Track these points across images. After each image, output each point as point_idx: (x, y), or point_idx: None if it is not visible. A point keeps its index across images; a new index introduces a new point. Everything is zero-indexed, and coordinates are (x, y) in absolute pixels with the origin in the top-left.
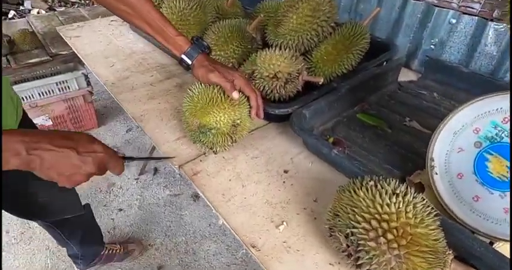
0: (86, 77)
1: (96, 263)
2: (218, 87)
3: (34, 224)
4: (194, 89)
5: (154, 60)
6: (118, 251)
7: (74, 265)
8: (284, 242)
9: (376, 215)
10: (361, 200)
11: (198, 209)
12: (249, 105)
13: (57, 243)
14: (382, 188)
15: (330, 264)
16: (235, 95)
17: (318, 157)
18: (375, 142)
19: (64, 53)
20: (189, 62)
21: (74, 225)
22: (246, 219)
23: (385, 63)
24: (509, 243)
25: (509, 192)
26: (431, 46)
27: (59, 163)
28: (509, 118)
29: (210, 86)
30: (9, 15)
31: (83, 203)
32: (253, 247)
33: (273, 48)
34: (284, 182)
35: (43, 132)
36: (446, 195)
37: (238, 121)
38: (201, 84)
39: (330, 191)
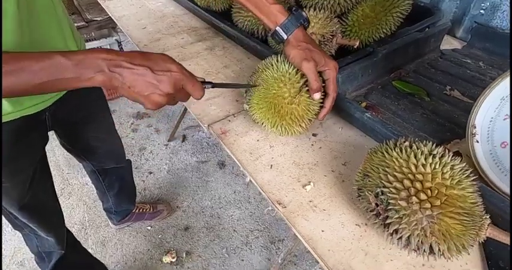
0: (119, 43)
1: (127, 220)
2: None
3: (73, 181)
4: (281, 67)
5: (185, 23)
6: (148, 210)
7: (109, 220)
8: (310, 201)
9: (410, 175)
10: (394, 160)
11: (223, 176)
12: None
13: (96, 192)
14: (418, 148)
15: (356, 224)
16: (317, 96)
17: (348, 122)
18: (411, 110)
19: (99, 19)
20: (285, 36)
21: (114, 175)
22: (272, 178)
23: (426, 29)
24: None
25: None
26: (481, 11)
27: (136, 82)
28: None
29: (298, 71)
30: None
31: None
32: (279, 204)
33: (307, 9)
34: (312, 145)
35: (123, 52)
36: (486, 165)
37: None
38: (289, 64)
39: (360, 156)
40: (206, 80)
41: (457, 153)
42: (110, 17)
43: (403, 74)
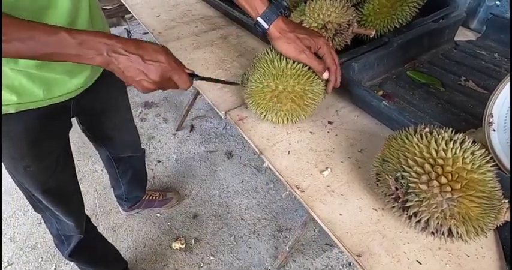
0: (129, 32)
1: (138, 207)
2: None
3: (83, 168)
4: (273, 61)
5: (199, 11)
6: (157, 197)
7: (119, 206)
8: (328, 186)
9: (430, 160)
10: (415, 145)
11: (231, 166)
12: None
13: (109, 179)
14: (438, 134)
15: (374, 209)
16: (325, 75)
17: (364, 111)
18: (426, 100)
19: (108, 8)
20: (266, 26)
21: (128, 163)
22: (290, 163)
23: (441, 20)
24: None
25: None
26: (496, 2)
27: (129, 67)
28: None
29: (292, 61)
30: None
31: None
32: (297, 188)
33: None
34: (328, 132)
35: (121, 39)
36: (501, 153)
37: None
38: (280, 56)
39: (376, 144)
40: (194, 73)
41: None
42: (119, 5)
43: (417, 64)
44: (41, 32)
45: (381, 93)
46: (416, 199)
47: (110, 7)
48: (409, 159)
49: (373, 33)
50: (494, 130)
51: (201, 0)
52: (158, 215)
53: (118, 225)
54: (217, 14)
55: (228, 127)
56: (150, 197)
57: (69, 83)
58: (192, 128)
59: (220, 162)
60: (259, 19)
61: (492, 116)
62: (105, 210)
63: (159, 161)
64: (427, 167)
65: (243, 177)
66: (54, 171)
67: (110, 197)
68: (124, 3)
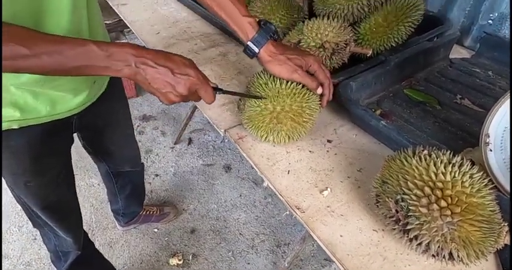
0: None
1: (135, 222)
2: (298, 84)
3: (80, 182)
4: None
5: (198, 29)
6: (155, 212)
7: (116, 221)
8: (328, 207)
9: (430, 183)
10: (414, 168)
11: (229, 180)
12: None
13: (107, 193)
14: (437, 157)
15: (374, 230)
16: (319, 90)
17: (362, 129)
18: (423, 118)
19: (108, 23)
20: (257, 50)
21: (127, 178)
22: (290, 183)
23: (435, 38)
24: None
25: None
26: (489, 21)
27: (157, 80)
28: None
29: (286, 81)
30: None
31: None
32: (298, 209)
33: (321, 18)
34: (328, 151)
35: (149, 50)
36: (499, 173)
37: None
38: (273, 77)
39: (375, 163)
40: (218, 87)
41: (470, 162)
42: (118, 20)
43: (413, 82)
44: (69, 45)
45: (379, 112)
46: (417, 222)
47: (110, 22)
48: (408, 182)
49: (370, 52)
50: (491, 150)
51: (200, 18)
52: (155, 230)
53: (115, 241)
54: (216, 31)
55: (226, 140)
56: (148, 212)
57: (73, 100)
58: (190, 141)
59: (218, 175)
60: (249, 43)
61: (489, 136)
62: (101, 225)
63: (156, 175)
64: (427, 190)
65: (241, 191)
66: (55, 187)
67: (107, 212)
68: (124, 20)
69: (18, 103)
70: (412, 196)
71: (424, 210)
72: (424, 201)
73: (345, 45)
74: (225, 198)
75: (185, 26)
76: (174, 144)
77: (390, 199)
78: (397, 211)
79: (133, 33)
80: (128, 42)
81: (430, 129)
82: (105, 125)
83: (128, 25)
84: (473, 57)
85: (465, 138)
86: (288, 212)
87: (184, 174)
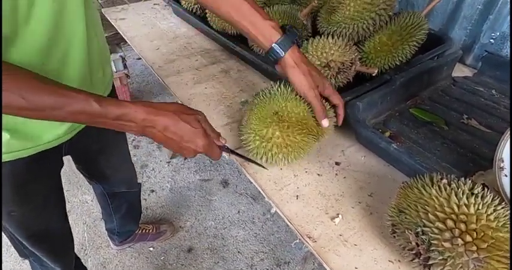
0: (123, 59)
1: (130, 241)
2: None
3: (73, 199)
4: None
5: (198, 44)
6: (151, 230)
7: (110, 240)
8: (340, 235)
9: (452, 215)
10: (434, 198)
11: (227, 196)
12: (334, 113)
13: (101, 213)
14: (458, 187)
15: (390, 261)
16: (325, 123)
17: (370, 151)
18: (431, 139)
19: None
20: (282, 53)
21: (123, 198)
22: (299, 209)
23: (436, 57)
24: None
25: None
26: (491, 40)
27: (165, 143)
28: None
29: (300, 99)
30: None
31: None
32: (309, 238)
33: (325, 36)
34: (336, 174)
35: (160, 113)
36: None
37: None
38: (290, 89)
39: (386, 187)
40: (226, 145)
41: (484, 186)
42: (114, 33)
43: (419, 101)
44: (71, 100)
45: (388, 134)
46: (440, 258)
47: (107, 35)
48: (429, 214)
49: (376, 71)
50: (506, 175)
51: (200, 33)
52: (151, 249)
53: (108, 261)
54: (216, 47)
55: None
56: (144, 231)
57: (60, 127)
58: None
59: (215, 191)
60: (274, 46)
61: (503, 161)
62: (95, 244)
63: (152, 191)
64: (450, 223)
65: (239, 207)
66: (41, 214)
67: (100, 230)
68: (123, 35)
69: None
70: (434, 229)
71: (447, 244)
72: (447, 235)
73: (350, 65)
74: (222, 215)
75: (185, 42)
76: (170, 158)
77: (410, 232)
78: (417, 244)
79: (128, 45)
80: (141, 101)
81: (439, 150)
82: (99, 148)
83: (127, 41)
84: (476, 75)
85: (475, 160)
86: (297, 241)
87: (181, 190)
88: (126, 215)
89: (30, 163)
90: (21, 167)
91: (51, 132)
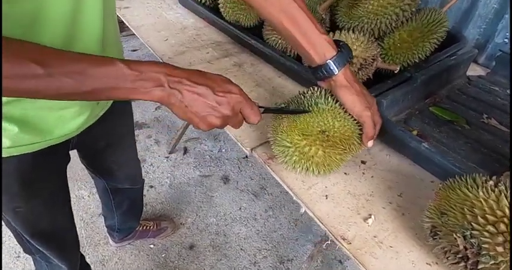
0: None
1: (130, 238)
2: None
3: None
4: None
5: (208, 36)
6: (152, 227)
7: (109, 237)
8: (375, 237)
9: (504, 219)
10: (482, 200)
11: (228, 192)
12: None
13: (102, 208)
14: (506, 189)
15: (427, 263)
16: (371, 144)
17: (395, 150)
18: (454, 138)
19: None
20: (336, 71)
21: (126, 194)
22: (330, 210)
23: (455, 55)
24: None
25: None
26: (505, 39)
27: (195, 101)
28: None
29: (350, 118)
30: None
31: None
32: (343, 239)
33: (346, 31)
34: (363, 173)
35: (181, 68)
36: None
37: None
38: (339, 105)
39: (414, 187)
40: (259, 105)
41: None
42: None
43: (437, 99)
44: (91, 63)
45: (415, 132)
46: (492, 262)
47: None
48: (478, 217)
49: (398, 68)
50: None
51: (209, 25)
52: (151, 246)
53: (107, 258)
54: (227, 40)
55: (223, 150)
56: (144, 227)
57: (72, 123)
58: (186, 150)
59: (216, 187)
60: (329, 62)
61: None
62: (93, 241)
63: (151, 187)
64: (502, 226)
65: (240, 203)
66: (48, 211)
67: (98, 226)
68: (128, 25)
69: (8, 131)
70: (485, 232)
71: (500, 249)
72: (500, 239)
73: (372, 61)
74: (224, 212)
75: (194, 33)
76: (169, 153)
77: (458, 235)
78: (465, 248)
79: (124, 36)
80: (155, 61)
81: (464, 150)
82: (107, 143)
83: (133, 30)
84: (489, 74)
85: (500, 160)
86: (329, 242)
87: (181, 186)
88: (127, 211)
89: (38, 157)
90: (28, 162)
91: (63, 127)
